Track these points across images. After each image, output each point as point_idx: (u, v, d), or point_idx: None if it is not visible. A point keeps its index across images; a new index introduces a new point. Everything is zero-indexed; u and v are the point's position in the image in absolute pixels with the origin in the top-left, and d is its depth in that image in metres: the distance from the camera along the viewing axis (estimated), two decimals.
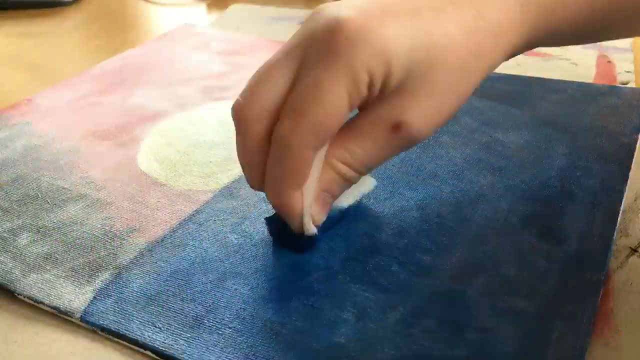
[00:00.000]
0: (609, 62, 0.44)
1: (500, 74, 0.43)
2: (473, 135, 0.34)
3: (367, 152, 0.23)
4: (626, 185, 0.29)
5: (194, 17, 0.58)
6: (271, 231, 0.26)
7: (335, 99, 0.21)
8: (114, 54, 0.46)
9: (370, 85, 0.22)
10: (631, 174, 0.30)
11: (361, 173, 0.24)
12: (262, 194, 0.25)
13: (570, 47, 0.45)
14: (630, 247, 0.26)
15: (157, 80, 0.43)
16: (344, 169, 0.24)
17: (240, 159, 0.24)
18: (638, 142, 0.33)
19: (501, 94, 0.39)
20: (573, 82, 0.41)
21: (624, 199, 0.28)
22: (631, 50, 0.46)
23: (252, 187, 0.25)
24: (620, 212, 0.27)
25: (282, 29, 0.54)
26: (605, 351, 0.21)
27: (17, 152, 0.34)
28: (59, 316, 0.23)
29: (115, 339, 0.22)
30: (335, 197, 0.25)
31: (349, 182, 0.24)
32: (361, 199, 0.28)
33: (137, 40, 0.50)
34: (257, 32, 0.53)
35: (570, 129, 0.34)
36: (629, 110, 0.36)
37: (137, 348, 0.22)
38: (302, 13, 0.58)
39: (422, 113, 0.23)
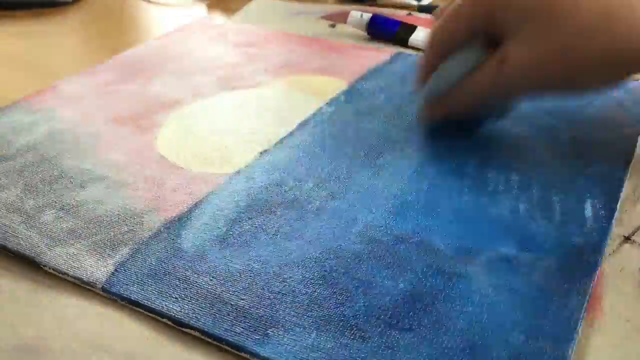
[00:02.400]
0: None
1: None
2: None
3: (476, 82, 0.30)
4: (627, 175, 0.30)
5: (194, 17, 0.59)
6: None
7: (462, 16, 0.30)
8: (114, 53, 0.47)
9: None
10: (632, 165, 0.31)
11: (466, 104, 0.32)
12: (273, 174, 0.26)
13: None
14: (623, 235, 0.27)
15: (175, 70, 0.44)
16: None
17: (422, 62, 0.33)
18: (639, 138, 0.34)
19: None
20: None
21: (623, 189, 0.29)
22: None
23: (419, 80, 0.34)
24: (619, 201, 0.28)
25: (301, 23, 0.55)
26: (590, 332, 0.22)
27: (42, 135, 0.35)
28: (76, 286, 0.25)
29: (133, 308, 0.24)
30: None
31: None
32: None
33: (138, 41, 0.51)
34: (277, 25, 0.54)
35: (574, 120, 0.35)
36: (634, 104, 0.37)
37: (153, 316, 0.23)
38: (320, 8, 0.59)
39: (524, 55, 0.28)
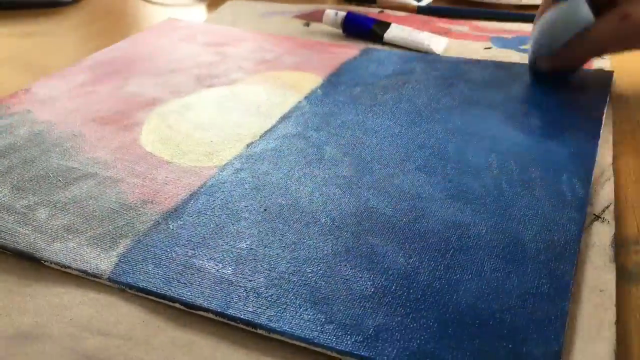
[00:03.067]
0: None
1: (479, 60, 0.47)
2: (454, 110, 0.37)
3: (598, 37, 0.36)
4: (595, 158, 0.32)
5: (194, 16, 0.59)
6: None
7: None
8: None
9: None
10: (599, 146, 0.33)
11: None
12: (262, 164, 0.27)
13: None
14: (594, 214, 0.29)
15: (149, 70, 0.44)
16: None
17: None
18: (603, 118, 0.36)
19: (478, 78, 0.42)
20: None
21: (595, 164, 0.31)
22: None
23: None
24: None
25: (275, 23, 0.56)
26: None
27: (22, 137, 0.35)
28: (70, 276, 0.25)
29: (140, 295, 0.24)
30: None
31: None
32: None
33: None
34: (250, 25, 0.55)
35: (543, 106, 0.38)
36: (596, 89, 0.40)
37: (161, 301, 0.24)
38: (295, 8, 0.60)
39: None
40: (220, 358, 0.22)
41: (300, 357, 0.22)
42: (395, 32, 0.50)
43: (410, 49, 0.49)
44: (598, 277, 0.25)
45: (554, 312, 0.22)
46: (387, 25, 0.51)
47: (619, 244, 0.27)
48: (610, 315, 0.23)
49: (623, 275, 0.25)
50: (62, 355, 0.22)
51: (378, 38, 0.50)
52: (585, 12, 0.36)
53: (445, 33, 0.53)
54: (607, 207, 0.29)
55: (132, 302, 0.24)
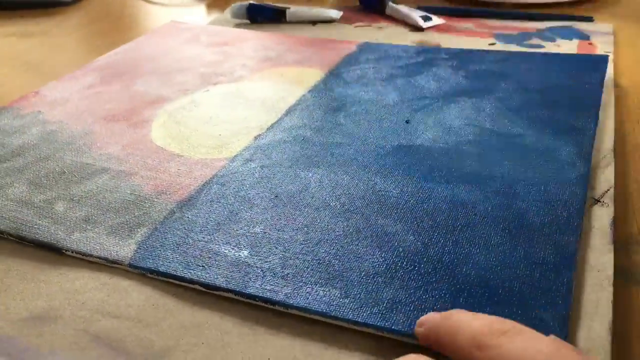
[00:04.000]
0: (590, 43, 0.48)
1: (478, 50, 0.48)
2: (459, 97, 0.38)
3: None
4: (594, 137, 0.33)
5: (194, 16, 0.60)
6: None
7: None
8: None
9: None
10: (597, 135, 0.34)
11: None
12: (271, 154, 0.28)
13: (560, 41, 0.49)
14: (593, 197, 0.29)
15: (155, 70, 0.45)
16: None
17: None
18: (601, 104, 0.37)
19: (476, 67, 0.43)
20: (540, 53, 0.45)
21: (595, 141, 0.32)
22: (612, 33, 0.50)
23: None
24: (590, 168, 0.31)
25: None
26: None
27: (35, 137, 0.36)
28: (82, 263, 0.26)
29: (161, 279, 0.25)
30: None
31: None
32: None
33: None
34: (254, 25, 0.56)
35: (540, 87, 0.39)
36: (592, 70, 0.41)
37: (180, 283, 0.24)
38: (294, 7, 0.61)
39: None
40: (226, 338, 0.22)
41: (303, 334, 0.22)
42: (293, 10, 0.56)
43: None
44: (596, 258, 0.25)
45: (561, 279, 0.23)
46: (284, 9, 0.56)
47: (619, 245, 0.27)
48: (607, 294, 0.23)
49: (623, 276, 0.25)
50: (74, 335, 0.23)
51: (283, 17, 0.57)
52: None
53: (449, 29, 0.54)
54: (607, 191, 0.30)
55: (142, 287, 0.25)
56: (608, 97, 0.39)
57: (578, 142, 0.33)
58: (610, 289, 0.23)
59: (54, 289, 0.25)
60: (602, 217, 0.28)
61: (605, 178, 0.31)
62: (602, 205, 0.29)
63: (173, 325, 0.23)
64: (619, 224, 0.28)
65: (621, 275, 0.25)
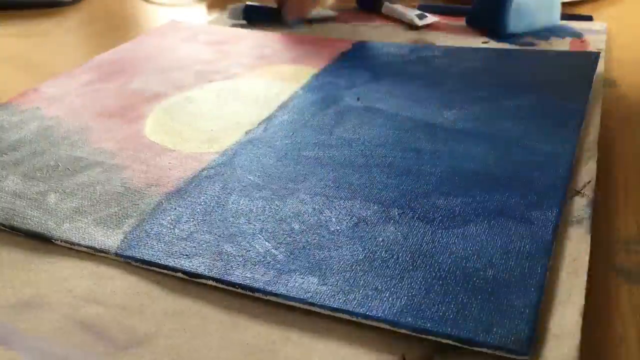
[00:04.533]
0: (583, 41, 0.49)
1: (470, 47, 0.48)
2: (447, 93, 0.39)
3: None
4: (579, 136, 0.34)
5: (194, 16, 0.61)
6: None
7: None
8: None
9: None
10: (584, 128, 0.34)
11: None
12: (260, 149, 0.28)
13: (553, 39, 0.49)
14: (575, 189, 0.30)
15: (152, 68, 0.46)
16: None
17: None
18: (589, 99, 0.37)
19: (468, 64, 0.43)
20: (528, 50, 0.45)
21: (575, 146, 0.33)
22: (605, 32, 0.50)
23: None
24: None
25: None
26: None
27: (32, 132, 0.37)
28: (71, 252, 0.27)
29: (146, 268, 0.26)
30: None
31: None
32: None
33: None
34: (252, 25, 0.57)
35: (529, 82, 0.39)
36: (582, 66, 0.41)
37: (165, 272, 0.25)
38: None
39: None
40: (207, 325, 0.23)
41: (283, 321, 0.23)
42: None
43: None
44: (573, 247, 0.26)
45: (535, 268, 0.23)
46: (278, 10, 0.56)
47: (620, 244, 0.27)
48: (581, 282, 0.24)
49: (623, 275, 0.25)
50: (60, 321, 0.23)
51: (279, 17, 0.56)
52: None
53: (444, 28, 0.54)
54: (588, 182, 0.30)
55: (128, 276, 0.26)
56: (597, 93, 0.39)
57: (563, 135, 0.33)
58: (585, 276, 0.24)
59: (42, 277, 0.26)
60: (581, 208, 0.28)
61: (588, 170, 0.31)
62: (583, 196, 0.29)
63: (156, 313, 0.24)
64: (611, 220, 0.29)
65: (621, 275, 0.25)
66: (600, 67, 0.42)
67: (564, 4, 0.58)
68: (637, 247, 0.27)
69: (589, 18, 0.54)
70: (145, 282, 0.25)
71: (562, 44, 0.48)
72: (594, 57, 0.43)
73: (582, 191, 0.29)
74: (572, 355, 0.20)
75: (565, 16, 0.55)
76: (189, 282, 0.25)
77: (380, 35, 0.53)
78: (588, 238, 0.26)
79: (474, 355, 0.21)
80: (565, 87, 0.38)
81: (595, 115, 0.36)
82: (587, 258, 0.25)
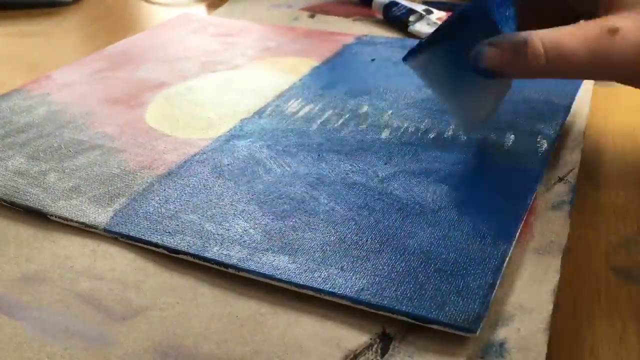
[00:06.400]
0: None
1: None
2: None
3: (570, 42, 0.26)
4: (562, 125, 0.34)
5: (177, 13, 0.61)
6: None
7: None
8: None
9: None
10: (570, 119, 0.35)
11: (549, 57, 0.27)
12: (252, 136, 0.30)
13: None
14: (558, 176, 0.30)
15: (160, 58, 0.48)
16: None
17: None
18: (579, 91, 0.38)
19: None
20: None
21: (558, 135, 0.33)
22: None
23: None
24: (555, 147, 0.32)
25: (281, 15, 0.59)
26: (520, 250, 0.26)
27: (40, 115, 0.39)
28: (74, 231, 0.29)
29: (132, 243, 0.27)
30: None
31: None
32: None
33: None
34: (258, 18, 0.58)
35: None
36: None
37: (150, 248, 0.27)
38: (302, 0, 0.63)
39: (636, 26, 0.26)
40: (199, 299, 0.24)
41: (269, 299, 0.24)
42: (418, 25, 0.53)
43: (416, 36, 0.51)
44: (552, 230, 0.27)
45: (496, 252, 0.24)
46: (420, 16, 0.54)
47: (620, 244, 0.28)
48: (556, 262, 0.25)
49: (623, 275, 0.26)
50: (60, 294, 0.25)
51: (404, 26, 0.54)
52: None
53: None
54: (572, 170, 0.31)
55: (127, 253, 0.27)
56: (587, 85, 0.39)
57: (549, 124, 0.33)
58: (560, 257, 0.25)
59: (46, 254, 0.27)
60: (564, 193, 0.29)
61: (572, 158, 0.32)
62: (565, 183, 0.30)
63: (152, 287, 0.25)
64: (611, 220, 0.29)
65: (621, 275, 0.26)
66: None
67: None
68: (637, 247, 0.27)
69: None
70: (142, 260, 0.27)
71: None
72: None
73: (565, 178, 0.30)
74: (541, 327, 0.21)
75: None
76: (184, 261, 0.26)
77: (384, 29, 0.54)
78: (568, 222, 0.27)
79: (443, 335, 0.22)
80: (556, 80, 0.39)
81: (584, 106, 0.37)
82: (565, 241, 0.26)
